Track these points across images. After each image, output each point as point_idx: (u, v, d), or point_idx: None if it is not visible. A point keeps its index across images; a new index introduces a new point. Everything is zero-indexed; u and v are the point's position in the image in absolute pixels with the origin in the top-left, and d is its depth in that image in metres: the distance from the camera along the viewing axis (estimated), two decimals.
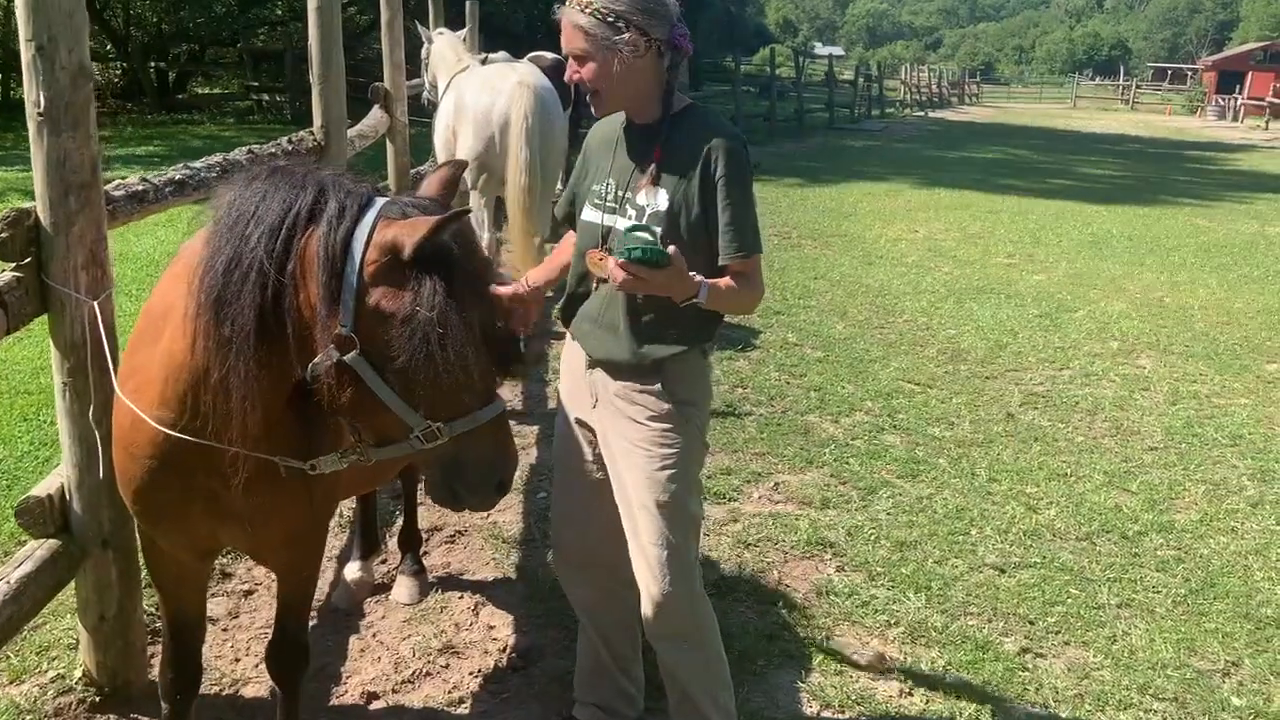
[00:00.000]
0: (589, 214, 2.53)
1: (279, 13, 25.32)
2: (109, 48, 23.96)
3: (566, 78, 2.44)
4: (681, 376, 2.52)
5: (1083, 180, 18.55)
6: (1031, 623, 3.63)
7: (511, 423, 5.27)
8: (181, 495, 2.21)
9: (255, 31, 25.50)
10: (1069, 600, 3.78)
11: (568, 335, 2.69)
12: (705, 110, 2.56)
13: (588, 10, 2.31)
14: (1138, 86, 59.60)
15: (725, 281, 2.41)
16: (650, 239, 2.26)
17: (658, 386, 2.49)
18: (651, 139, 2.44)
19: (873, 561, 3.99)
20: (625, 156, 2.49)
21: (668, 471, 2.48)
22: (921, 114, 38.28)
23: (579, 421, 2.66)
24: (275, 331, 1.90)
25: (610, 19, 2.31)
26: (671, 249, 2.24)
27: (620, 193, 2.47)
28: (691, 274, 2.31)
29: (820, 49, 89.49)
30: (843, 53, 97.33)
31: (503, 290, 2.35)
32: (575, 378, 2.64)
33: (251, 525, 2.26)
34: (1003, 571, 3.97)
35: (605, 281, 2.46)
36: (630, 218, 2.42)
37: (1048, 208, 14.27)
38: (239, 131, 18.23)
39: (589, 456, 2.65)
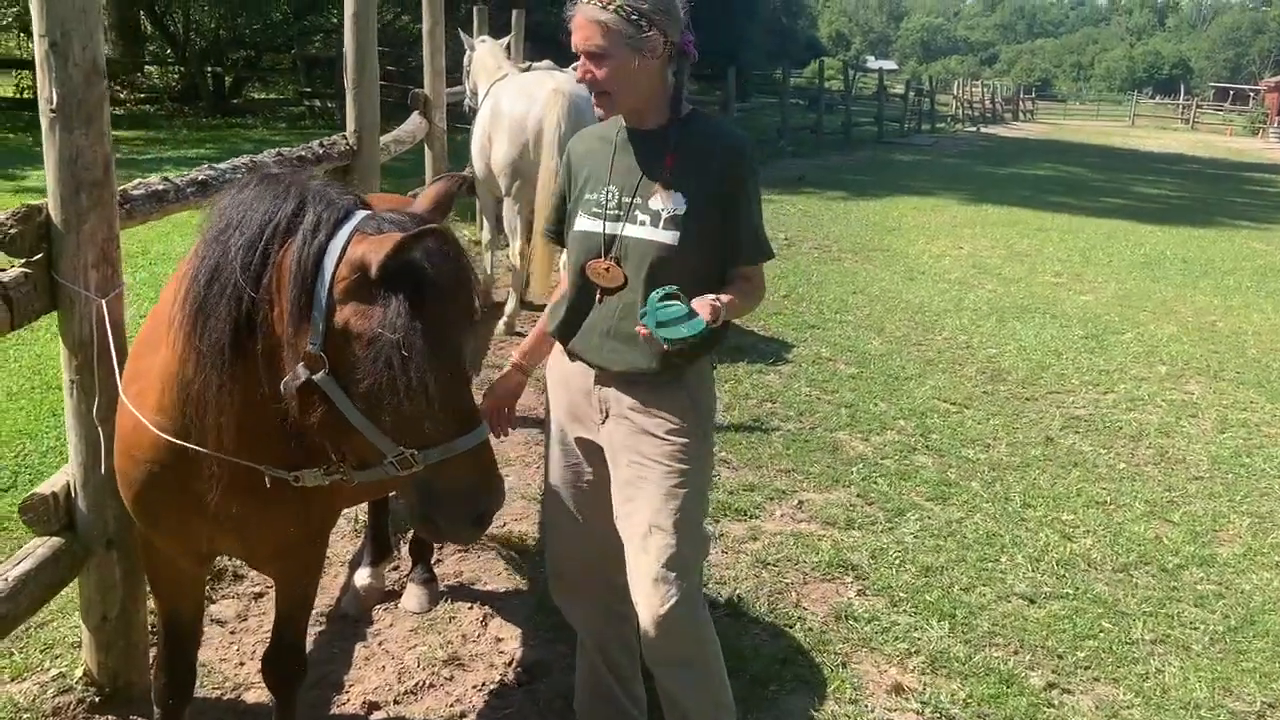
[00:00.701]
0: (585, 224, 2.45)
1: (334, 21, 25.65)
2: (168, 52, 24.46)
3: (578, 77, 2.37)
4: (700, 384, 2.49)
5: (1137, 199, 18.18)
6: (1060, 656, 3.49)
7: (530, 431, 5.18)
8: (177, 500, 2.20)
9: (310, 38, 25.87)
10: (1101, 634, 3.63)
11: (556, 352, 2.61)
12: (710, 116, 2.56)
13: (610, 7, 2.26)
14: (1198, 106, 58.44)
15: (733, 294, 2.36)
16: (676, 308, 2.17)
17: (680, 397, 2.43)
18: (660, 144, 2.39)
19: (896, 586, 3.87)
20: (630, 162, 2.42)
21: (684, 490, 2.41)
22: (973, 129, 37.82)
23: (580, 440, 2.57)
24: (249, 346, 1.86)
25: (634, 17, 2.26)
26: (704, 312, 2.16)
27: (627, 199, 2.40)
28: (712, 301, 2.23)
29: (872, 62, 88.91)
30: (895, 67, 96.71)
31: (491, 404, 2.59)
32: (577, 395, 2.55)
33: (244, 535, 2.23)
34: (1032, 602, 3.83)
35: (612, 292, 2.39)
36: (641, 223, 2.37)
37: (1099, 227, 13.98)
38: (289, 135, 18.46)
39: (590, 477, 2.58)
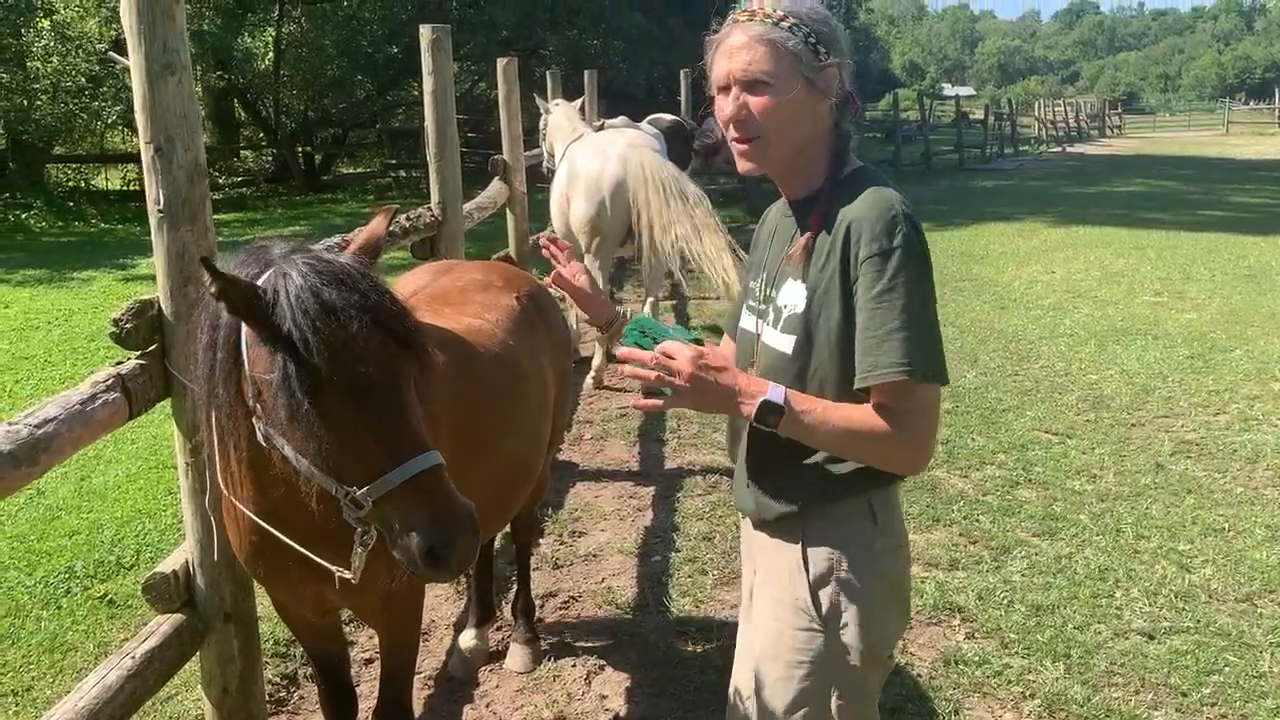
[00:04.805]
0: (744, 320, 1.99)
1: (415, 93, 26.61)
2: (261, 136, 25.60)
3: (732, 113, 1.78)
4: (828, 543, 1.83)
5: (1237, 210, 17.53)
6: (1184, 694, 3.34)
7: (624, 484, 5.22)
8: (280, 562, 2.28)
9: (393, 112, 26.81)
10: (1226, 669, 3.48)
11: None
12: (875, 174, 1.87)
13: (785, 25, 1.74)
14: None
15: (834, 407, 1.72)
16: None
17: (794, 557, 1.85)
18: (805, 216, 1.85)
19: (1006, 627, 3.77)
20: (778, 244, 1.94)
21: (797, 698, 1.87)
22: (1058, 149, 37.05)
23: (748, 591, 2.12)
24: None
25: (812, 40, 1.75)
26: (686, 346, 1.71)
27: (769, 291, 1.91)
28: (760, 382, 1.72)
29: (949, 89, 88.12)
30: (973, 92, 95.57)
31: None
32: (744, 537, 2.14)
33: (346, 587, 2.31)
34: (1152, 637, 3.69)
35: None
36: (772, 324, 1.87)
37: (1198, 241, 13.51)
38: (377, 208, 19.07)
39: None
